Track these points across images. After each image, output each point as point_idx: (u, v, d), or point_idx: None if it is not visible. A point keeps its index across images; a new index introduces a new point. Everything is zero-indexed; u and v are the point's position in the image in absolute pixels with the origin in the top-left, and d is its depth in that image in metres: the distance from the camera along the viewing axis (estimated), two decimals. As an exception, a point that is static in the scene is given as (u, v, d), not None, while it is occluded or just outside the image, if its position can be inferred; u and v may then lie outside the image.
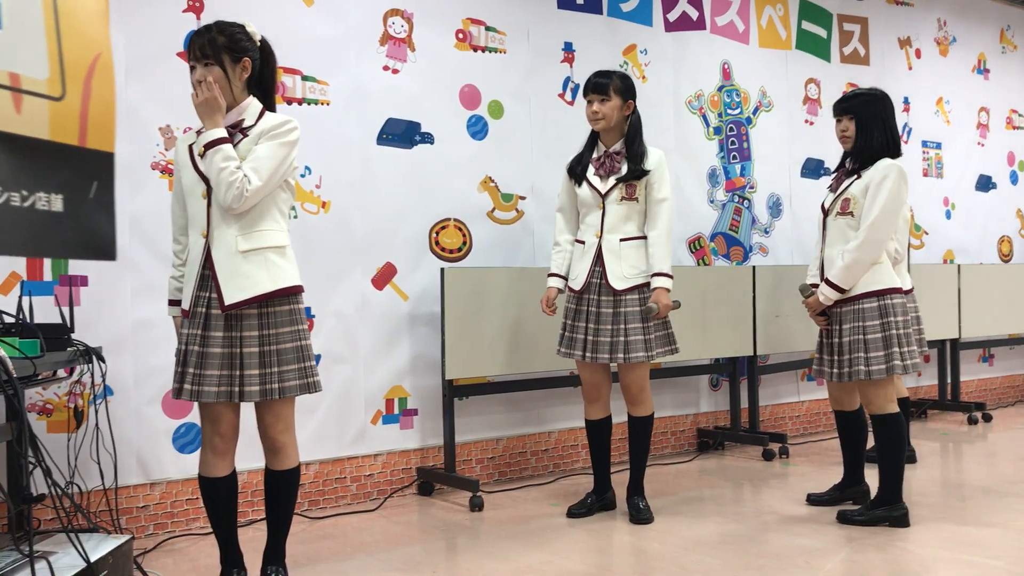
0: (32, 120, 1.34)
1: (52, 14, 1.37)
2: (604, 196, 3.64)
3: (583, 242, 3.72)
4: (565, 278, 3.79)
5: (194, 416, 3.67)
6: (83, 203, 1.44)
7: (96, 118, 1.45)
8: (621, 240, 3.63)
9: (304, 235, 3.94)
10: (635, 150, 3.63)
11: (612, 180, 3.63)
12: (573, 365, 4.41)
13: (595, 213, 3.67)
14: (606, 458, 3.84)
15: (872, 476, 3.66)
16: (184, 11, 3.70)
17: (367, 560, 3.23)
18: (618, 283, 3.60)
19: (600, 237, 3.64)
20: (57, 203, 1.40)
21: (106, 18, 1.51)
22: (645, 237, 3.65)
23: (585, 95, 3.69)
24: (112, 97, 1.51)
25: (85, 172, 1.44)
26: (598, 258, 3.64)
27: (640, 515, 3.66)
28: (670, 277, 3.59)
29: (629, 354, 3.58)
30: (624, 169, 3.62)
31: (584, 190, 3.69)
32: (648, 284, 3.62)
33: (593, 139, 3.76)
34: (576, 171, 3.73)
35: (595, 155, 3.71)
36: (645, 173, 3.61)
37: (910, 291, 4.60)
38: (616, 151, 3.66)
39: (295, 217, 3.92)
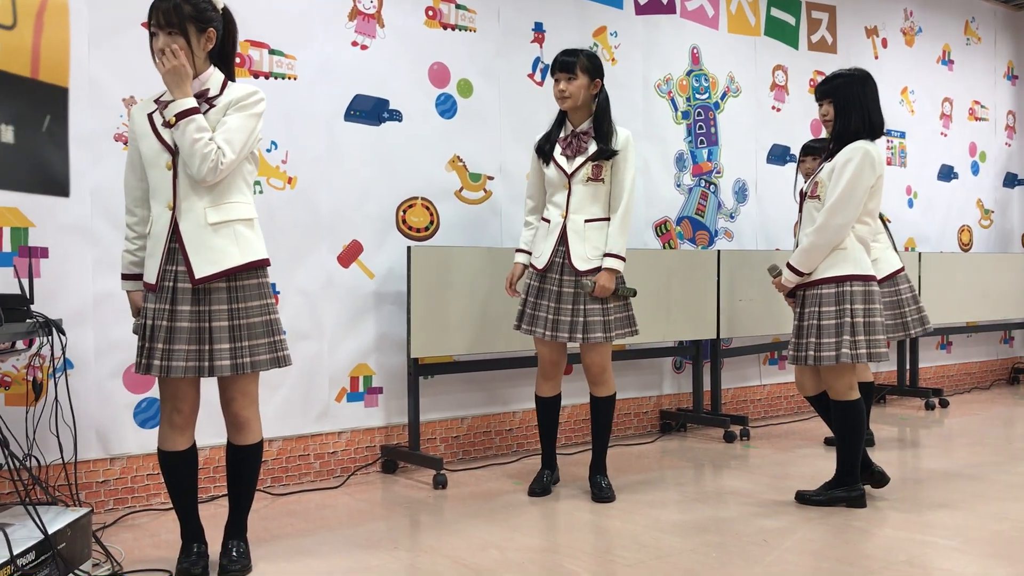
0: (-19, 47, 1.31)
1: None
2: (570, 176, 3.64)
3: (548, 220, 3.73)
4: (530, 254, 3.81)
5: (156, 391, 3.63)
6: (35, 136, 1.41)
7: (49, 52, 1.43)
8: (586, 221, 3.64)
9: (269, 211, 3.91)
10: (603, 130, 3.63)
11: (579, 160, 3.63)
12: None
13: (561, 193, 3.67)
14: (555, 435, 3.90)
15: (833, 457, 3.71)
16: (149, -20, 3.63)
17: (329, 536, 3.23)
18: (581, 264, 3.61)
19: (565, 217, 3.65)
20: (7, 134, 1.37)
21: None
22: (607, 219, 3.67)
23: (552, 74, 3.68)
24: (66, 36, 1.49)
25: (37, 105, 1.41)
26: (562, 238, 3.65)
27: (602, 493, 3.69)
28: (621, 259, 3.61)
29: (588, 334, 3.60)
30: (592, 148, 3.63)
31: (551, 170, 3.69)
32: None
33: (561, 118, 3.75)
34: (544, 150, 3.73)
35: (562, 135, 3.70)
36: (614, 153, 3.61)
37: (899, 271, 4.68)
38: (583, 131, 3.66)
39: (260, 192, 3.89)
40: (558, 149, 3.69)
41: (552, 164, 3.68)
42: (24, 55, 1.34)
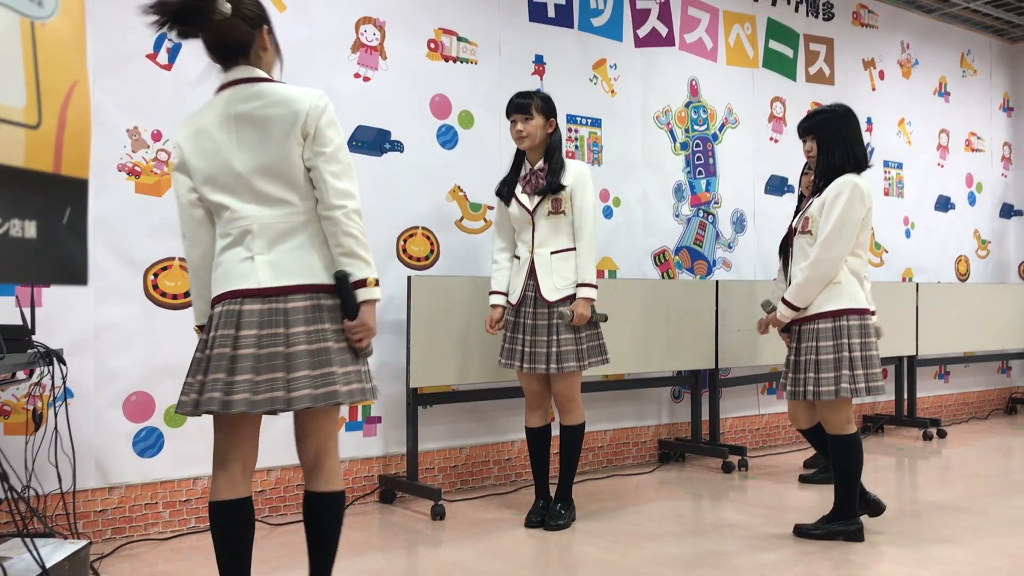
0: (8, 149, 1.34)
1: (30, 43, 1.37)
2: (532, 212, 3.74)
3: (519, 257, 3.84)
4: (507, 294, 3.88)
5: (155, 420, 3.64)
6: (57, 229, 1.43)
7: (71, 145, 1.45)
8: (552, 253, 3.73)
9: (271, 240, 3.93)
10: (553, 165, 3.75)
11: (537, 197, 3.74)
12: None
13: (527, 229, 3.78)
14: (547, 464, 3.92)
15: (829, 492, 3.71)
16: (155, 13, 3.67)
17: (327, 568, 3.22)
18: (550, 295, 3.70)
19: (532, 252, 3.74)
20: (31, 230, 1.39)
21: (83, 45, 1.51)
22: (573, 249, 3.76)
23: (508, 116, 3.79)
24: (87, 124, 1.51)
25: (59, 198, 1.43)
26: (531, 272, 3.74)
27: (556, 521, 3.74)
28: (593, 287, 3.70)
29: (562, 364, 3.68)
30: (544, 184, 3.75)
31: (514, 208, 3.80)
32: None
33: (519, 158, 3.88)
34: (503, 192, 3.86)
35: (523, 173, 3.83)
36: (562, 188, 3.72)
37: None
38: (540, 168, 3.78)
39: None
40: (519, 188, 3.80)
41: (514, 203, 3.79)
42: (48, 151, 1.36)
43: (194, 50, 3.71)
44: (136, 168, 3.62)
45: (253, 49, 2.39)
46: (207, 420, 3.62)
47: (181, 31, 2.32)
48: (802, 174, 4.75)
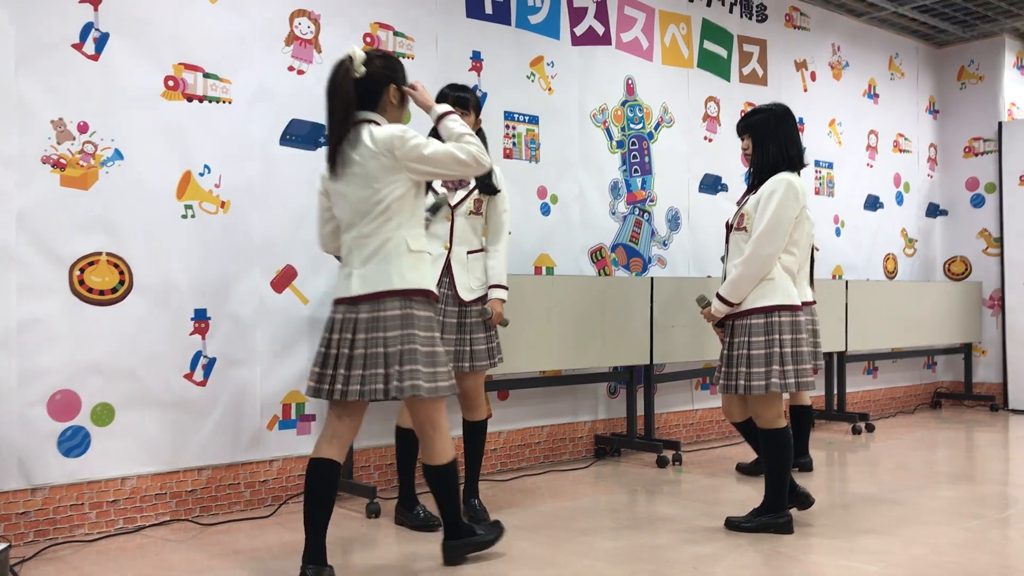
0: None
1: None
2: (454, 208, 3.72)
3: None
4: None
5: (81, 419, 3.55)
6: None
7: None
8: (468, 252, 3.75)
9: (201, 235, 3.86)
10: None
11: (461, 193, 3.74)
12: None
13: (443, 224, 3.72)
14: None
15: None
16: (81, 1, 3.58)
17: (258, 567, 3.18)
18: (465, 294, 3.72)
19: (449, 249, 3.71)
20: None
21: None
22: (484, 250, 3.80)
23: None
24: None
25: None
26: (447, 269, 3.70)
27: (478, 515, 3.75)
28: (506, 289, 3.77)
29: (475, 362, 3.72)
30: (473, 183, 3.75)
31: (429, 198, 3.65)
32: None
33: None
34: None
35: None
36: (497, 191, 3.77)
37: (810, 303, 4.76)
38: None
39: (192, 216, 3.84)
40: (438, 181, 3.72)
41: (431, 194, 3.68)
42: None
43: (122, 41, 3.65)
44: (61, 160, 3.53)
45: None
46: (134, 419, 3.57)
47: None
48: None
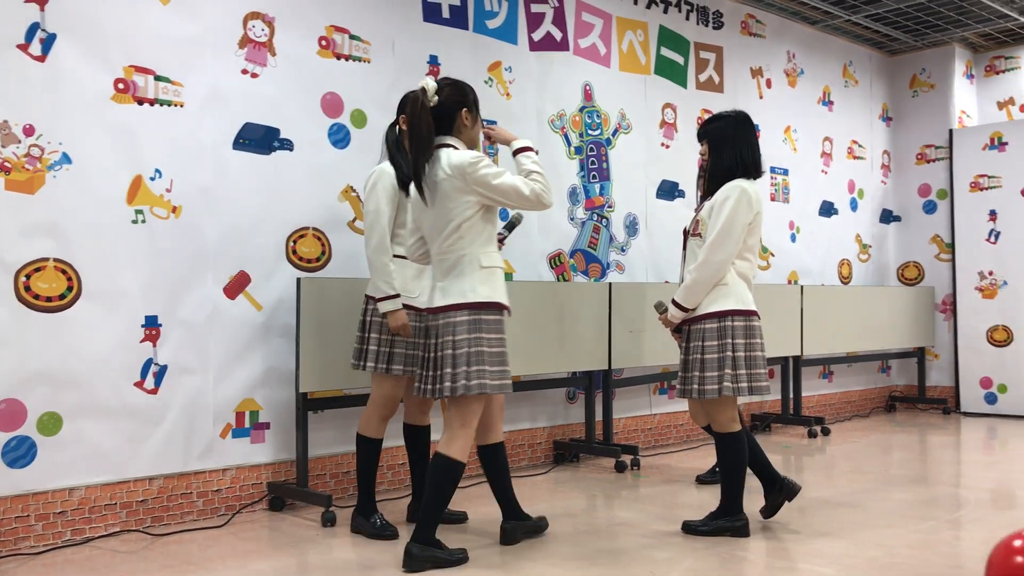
0: None
1: None
2: None
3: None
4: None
5: (27, 429, 3.46)
6: None
7: None
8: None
9: (152, 240, 3.80)
10: None
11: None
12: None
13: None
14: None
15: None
16: (26, 1, 3.51)
17: (211, 578, 3.13)
18: None
19: None
20: None
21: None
22: None
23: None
24: None
25: None
26: None
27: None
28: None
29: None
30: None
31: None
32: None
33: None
34: None
35: None
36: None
37: None
38: None
39: (143, 221, 3.77)
40: None
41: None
42: None
43: (70, 42, 3.58)
44: (6, 164, 3.44)
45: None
46: (82, 429, 3.49)
47: None
48: (699, 178, 4.77)
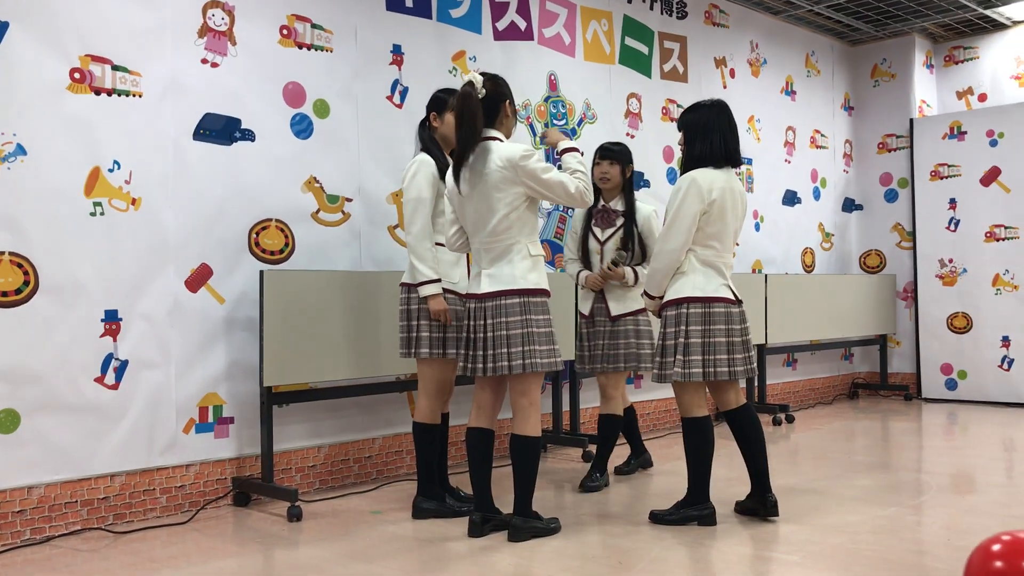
0: None
1: None
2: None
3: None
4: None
5: (-17, 426, 3.39)
6: None
7: None
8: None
9: (110, 233, 3.73)
10: None
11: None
12: (399, 371, 4.40)
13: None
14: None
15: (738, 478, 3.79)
16: (-22, -11, 3.42)
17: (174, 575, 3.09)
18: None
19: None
20: None
21: None
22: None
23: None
24: None
25: None
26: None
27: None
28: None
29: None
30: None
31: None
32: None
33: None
34: None
35: None
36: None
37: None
38: None
39: (101, 214, 3.70)
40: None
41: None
42: None
43: (24, 30, 3.49)
44: (-42, 156, 3.36)
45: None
46: (41, 426, 3.44)
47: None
48: (594, 163, 4.49)
